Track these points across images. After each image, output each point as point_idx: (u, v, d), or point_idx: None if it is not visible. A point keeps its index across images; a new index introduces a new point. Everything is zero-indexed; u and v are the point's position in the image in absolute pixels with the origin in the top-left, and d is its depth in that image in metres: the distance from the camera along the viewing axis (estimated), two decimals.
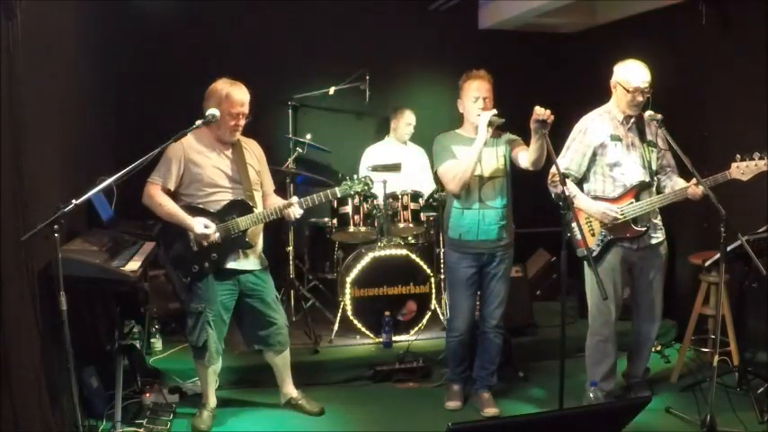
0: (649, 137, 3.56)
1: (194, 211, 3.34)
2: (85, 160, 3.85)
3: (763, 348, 4.20)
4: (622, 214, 3.48)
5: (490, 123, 3.42)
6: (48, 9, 3.18)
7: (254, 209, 3.43)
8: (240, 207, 3.41)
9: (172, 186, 3.32)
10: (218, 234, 3.33)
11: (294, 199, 3.47)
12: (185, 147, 3.32)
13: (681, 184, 3.52)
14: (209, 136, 3.39)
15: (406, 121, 5.25)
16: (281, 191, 4.43)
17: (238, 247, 3.42)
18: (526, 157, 3.44)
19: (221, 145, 3.41)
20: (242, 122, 3.37)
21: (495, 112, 3.45)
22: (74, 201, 2.63)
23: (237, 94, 3.31)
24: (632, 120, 3.52)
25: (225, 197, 3.40)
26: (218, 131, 3.37)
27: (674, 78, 4.38)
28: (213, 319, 3.41)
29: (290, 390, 3.78)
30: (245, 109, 3.35)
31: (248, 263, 3.48)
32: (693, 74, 4.68)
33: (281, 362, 3.72)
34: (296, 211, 3.43)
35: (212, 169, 3.37)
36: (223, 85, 3.32)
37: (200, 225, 3.29)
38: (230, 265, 3.41)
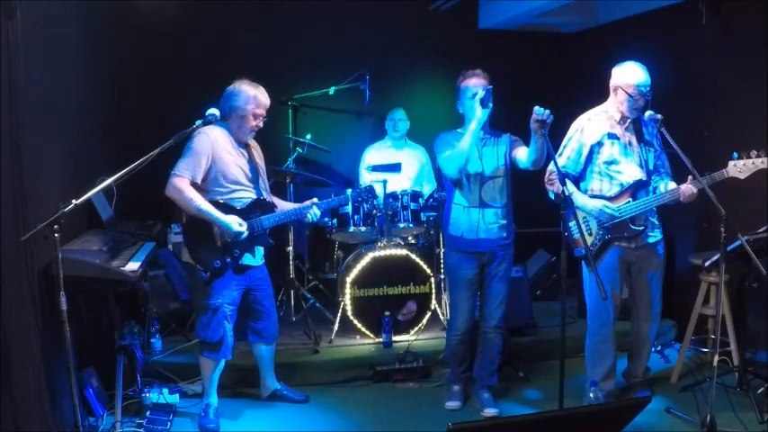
0: (646, 136, 3.57)
1: (219, 207, 3.39)
2: (85, 160, 3.85)
3: (763, 348, 4.20)
4: (620, 213, 3.49)
5: (481, 101, 3.42)
6: (48, 9, 3.18)
7: (276, 208, 3.57)
8: (263, 206, 3.53)
9: (199, 180, 3.35)
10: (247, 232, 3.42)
11: (315, 200, 3.63)
12: (213, 142, 3.37)
13: (673, 186, 3.52)
14: (229, 134, 3.46)
15: (396, 118, 5.25)
16: (281, 191, 4.44)
17: (259, 245, 3.54)
18: (526, 157, 3.45)
19: (238, 144, 3.50)
20: (261, 125, 3.49)
21: (488, 87, 3.43)
22: (74, 201, 2.63)
23: (264, 97, 3.47)
24: (629, 120, 3.53)
25: (244, 195, 3.48)
26: (238, 130, 3.46)
27: (674, 78, 4.39)
28: (229, 314, 3.48)
29: (273, 382, 3.88)
30: (265, 112, 3.50)
31: (256, 258, 3.57)
32: (693, 74, 4.68)
33: (268, 355, 3.82)
34: (316, 213, 3.60)
35: (235, 167, 3.44)
36: (249, 87, 3.44)
37: (236, 223, 3.35)
38: (244, 260, 3.50)
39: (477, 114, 3.43)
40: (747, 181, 3.36)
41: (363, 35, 5.55)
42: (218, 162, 3.37)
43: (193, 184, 3.33)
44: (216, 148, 3.37)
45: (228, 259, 3.42)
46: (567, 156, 3.61)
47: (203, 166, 3.33)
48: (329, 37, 5.50)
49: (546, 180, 3.60)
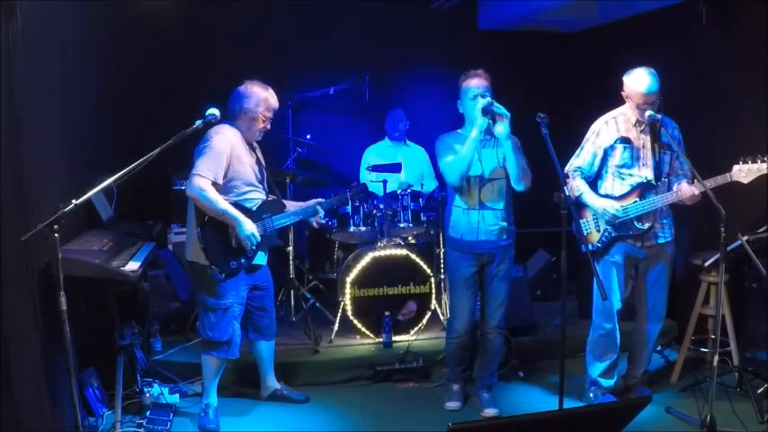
0: (663, 138, 3.57)
1: (236, 208, 3.41)
2: (85, 160, 3.85)
3: (763, 348, 4.20)
4: (625, 212, 3.50)
5: (484, 110, 3.43)
6: (48, 9, 3.18)
7: (285, 208, 3.61)
8: (274, 206, 3.57)
9: (220, 181, 3.35)
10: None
11: (321, 200, 3.73)
12: (232, 142, 3.38)
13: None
14: (240, 134, 3.47)
15: (395, 119, 5.25)
16: (281, 191, 4.44)
17: (270, 245, 3.58)
18: (512, 181, 3.53)
19: (248, 144, 3.52)
20: (269, 126, 3.54)
21: (489, 100, 3.44)
22: (74, 201, 2.63)
23: (274, 100, 3.52)
24: (645, 123, 3.54)
25: (255, 196, 3.51)
26: (248, 132, 3.48)
27: (673, 78, 4.38)
28: (238, 313, 3.51)
29: (273, 382, 3.89)
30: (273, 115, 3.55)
31: (263, 257, 3.60)
32: (693, 74, 4.68)
33: (268, 353, 3.83)
34: (320, 214, 3.69)
35: (248, 167, 3.47)
36: (261, 89, 3.48)
37: (252, 226, 3.38)
38: (255, 260, 3.53)
39: (478, 122, 3.44)
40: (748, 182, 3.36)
41: (363, 35, 5.55)
42: (235, 163, 3.39)
43: (214, 185, 3.33)
44: (235, 148, 3.39)
45: (243, 260, 3.44)
46: (582, 158, 3.68)
47: (224, 167, 3.34)
48: (329, 37, 5.50)
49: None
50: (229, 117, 3.46)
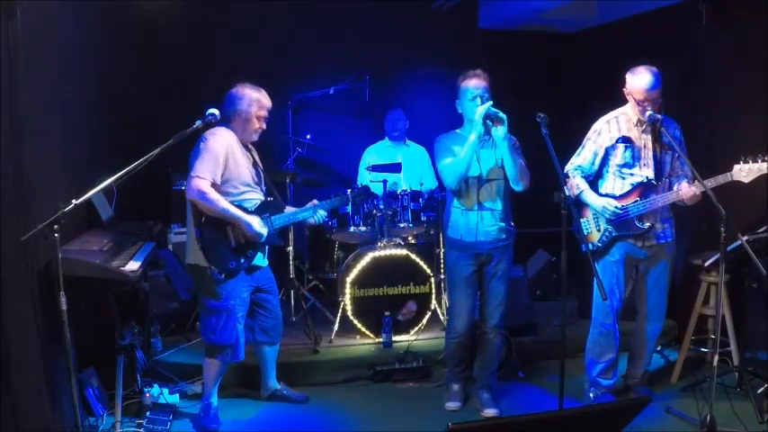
0: (664, 138, 3.57)
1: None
2: (85, 160, 3.85)
3: (763, 348, 4.20)
4: (625, 211, 3.51)
5: (486, 116, 3.42)
6: (48, 9, 3.18)
7: (284, 208, 3.61)
8: (273, 206, 3.58)
9: (219, 181, 3.35)
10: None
11: (315, 202, 3.73)
12: (228, 144, 3.38)
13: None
14: (235, 136, 3.47)
15: (394, 119, 5.26)
16: (281, 191, 4.44)
17: (270, 245, 3.58)
18: (511, 182, 3.51)
19: (243, 146, 3.52)
20: (264, 126, 3.53)
21: (490, 103, 3.45)
22: (74, 201, 2.64)
23: (266, 100, 3.52)
24: (646, 123, 3.55)
25: (253, 197, 3.51)
26: (243, 133, 3.48)
27: (674, 78, 4.39)
28: (241, 316, 3.49)
29: (274, 382, 3.89)
30: (267, 114, 3.54)
31: (263, 259, 3.59)
32: (693, 74, 4.68)
33: (272, 356, 3.84)
34: (322, 214, 3.70)
35: (245, 169, 3.47)
36: (252, 90, 3.48)
37: (257, 223, 3.39)
38: (255, 261, 3.52)
39: (477, 126, 3.43)
40: (749, 182, 3.36)
41: (363, 35, 5.55)
42: (231, 163, 3.39)
43: (213, 186, 3.32)
44: (231, 149, 3.39)
45: (242, 260, 3.44)
46: (583, 156, 3.69)
47: (222, 167, 3.34)
48: (329, 37, 5.50)
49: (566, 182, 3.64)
50: (224, 120, 3.45)
